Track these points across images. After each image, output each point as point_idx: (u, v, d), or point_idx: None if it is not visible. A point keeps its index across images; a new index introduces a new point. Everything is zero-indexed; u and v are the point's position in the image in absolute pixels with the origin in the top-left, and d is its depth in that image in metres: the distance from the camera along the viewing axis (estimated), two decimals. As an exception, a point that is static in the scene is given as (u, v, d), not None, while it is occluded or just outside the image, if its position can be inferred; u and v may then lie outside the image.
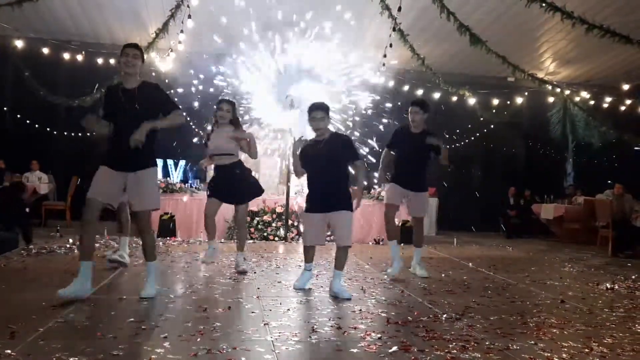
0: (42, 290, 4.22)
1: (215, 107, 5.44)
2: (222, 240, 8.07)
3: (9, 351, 2.75)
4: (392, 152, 5.67)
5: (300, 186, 9.16)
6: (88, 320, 3.40)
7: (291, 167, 8.71)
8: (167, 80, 10.79)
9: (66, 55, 9.69)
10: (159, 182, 4.53)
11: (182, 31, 7.98)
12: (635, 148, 12.29)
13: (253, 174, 5.73)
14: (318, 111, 4.60)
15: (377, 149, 8.62)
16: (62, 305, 3.71)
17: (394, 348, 3.07)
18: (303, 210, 4.84)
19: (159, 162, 9.40)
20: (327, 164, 4.52)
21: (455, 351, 3.05)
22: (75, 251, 6.26)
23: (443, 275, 5.71)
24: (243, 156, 5.59)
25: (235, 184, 5.31)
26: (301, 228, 4.88)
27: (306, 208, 4.70)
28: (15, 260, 5.53)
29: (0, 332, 3.06)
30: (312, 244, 4.71)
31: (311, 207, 4.63)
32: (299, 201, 8.57)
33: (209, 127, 5.65)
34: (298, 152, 4.70)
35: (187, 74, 10.62)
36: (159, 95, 4.12)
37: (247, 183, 5.44)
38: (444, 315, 3.89)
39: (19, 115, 10.84)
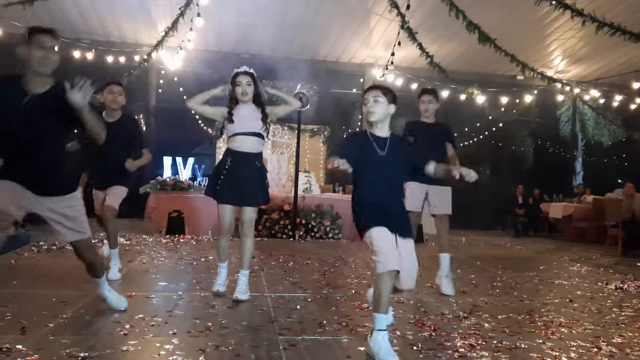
0: (52, 286, 4.26)
1: (231, 83, 4.20)
2: (231, 237, 8.06)
3: (20, 346, 2.78)
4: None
5: (308, 184, 9.19)
6: (97, 316, 3.43)
7: (300, 165, 8.78)
8: (175, 79, 10.89)
9: (76, 54, 9.75)
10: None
11: (191, 29, 8.01)
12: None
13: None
14: (371, 91, 3.33)
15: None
16: (71, 301, 3.74)
17: (402, 346, 3.08)
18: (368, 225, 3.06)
19: (168, 159, 9.46)
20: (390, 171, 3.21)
21: (463, 350, 3.04)
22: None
23: (451, 273, 5.69)
24: None
25: (253, 181, 4.15)
26: (377, 250, 2.92)
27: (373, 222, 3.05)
28: (26, 257, 5.58)
29: (12, 327, 3.10)
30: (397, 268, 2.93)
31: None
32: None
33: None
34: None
35: (196, 71, 10.68)
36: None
37: (263, 184, 4.26)
38: (452, 314, 3.89)
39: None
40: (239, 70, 4.22)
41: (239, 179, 4.10)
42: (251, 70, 4.22)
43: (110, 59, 9.83)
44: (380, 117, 3.28)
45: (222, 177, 4.15)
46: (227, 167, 4.13)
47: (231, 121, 4.13)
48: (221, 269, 4.32)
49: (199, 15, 7.66)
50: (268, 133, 4.32)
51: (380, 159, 3.18)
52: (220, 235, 4.33)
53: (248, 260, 4.21)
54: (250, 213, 4.19)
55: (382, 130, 3.28)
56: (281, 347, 2.96)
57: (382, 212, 3.09)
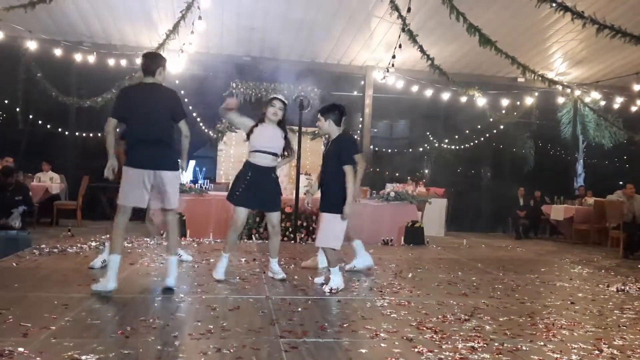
0: (54, 289, 4.26)
1: (267, 103, 4.98)
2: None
3: (21, 349, 2.78)
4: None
5: (309, 186, 9.19)
6: (99, 319, 3.43)
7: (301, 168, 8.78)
8: (177, 81, 10.90)
9: (78, 57, 9.77)
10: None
11: (192, 32, 8.02)
12: (646, 149, 12.21)
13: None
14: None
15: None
16: (73, 303, 3.75)
17: (403, 348, 3.08)
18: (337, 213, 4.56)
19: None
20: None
21: (464, 352, 3.05)
22: (87, 250, 6.33)
23: (452, 276, 5.70)
24: None
25: (271, 189, 4.93)
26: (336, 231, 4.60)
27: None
28: (28, 259, 5.58)
29: (13, 330, 3.10)
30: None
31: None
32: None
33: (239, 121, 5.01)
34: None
35: (199, 74, 10.72)
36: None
37: (279, 190, 5.05)
38: (453, 316, 3.89)
39: (30, 116, 10.98)
40: (277, 95, 5.05)
41: (261, 189, 4.84)
42: (286, 101, 5.04)
43: (111, 61, 9.86)
44: (324, 132, 4.79)
45: (243, 185, 4.82)
46: (248, 177, 4.83)
47: (249, 139, 4.87)
48: (223, 257, 4.96)
49: (200, 18, 7.68)
50: (283, 152, 5.04)
51: (324, 154, 4.93)
52: (234, 231, 4.93)
53: (277, 251, 5.13)
54: (276, 217, 5.01)
55: (333, 135, 4.71)
56: (283, 350, 2.97)
57: (321, 192, 4.73)
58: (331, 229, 4.56)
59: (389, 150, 13.43)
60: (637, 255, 8.10)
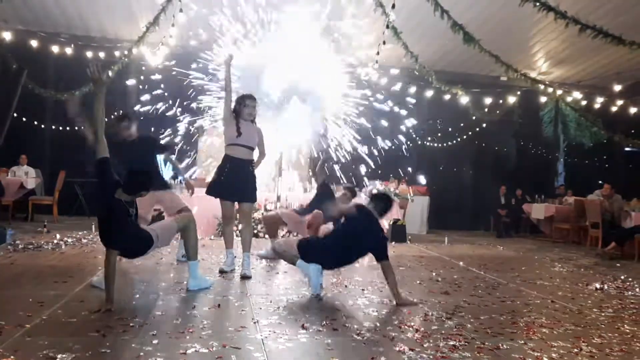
0: (29, 286, 4.17)
1: (239, 103, 5.05)
2: (212, 237, 8.03)
3: (-6, 347, 2.72)
4: None
5: (292, 183, 9.15)
6: (76, 317, 3.36)
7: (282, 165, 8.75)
8: (158, 76, 10.72)
9: (55, 48, 9.57)
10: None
11: (173, 25, 7.90)
12: (626, 149, 12.38)
13: None
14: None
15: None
16: (49, 301, 3.67)
17: (385, 347, 3.06)
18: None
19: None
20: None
21: (445, 350, 3.04)
22: (63, 247, 6.22)
23: (434, 274, 5.71)
24: None
25: (247, 181, 5.04)
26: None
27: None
28: (2, 256, 5.46)
29: (-14, 329, 3.02)
30: None
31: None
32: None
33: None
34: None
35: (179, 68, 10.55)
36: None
37: (255, 184, 5.15)
38: (434, 315, 3.88)
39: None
40: (246, 94, 5.10)
41: (238, 181, 4.95)
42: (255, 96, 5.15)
43: (89, 54, 9.67)
44: None
45: (222, 178, 4.96)
46: (226, 170, 4.96)
47: (239, 134, 4.93)
48: (228, 253, 5.19)
49: (181, 10, 7.56)
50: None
51: None
52: (225, 225, 5.22)
53: (249, 244, 5.08)
54: (248, 207, 5.13)
55: None
56: (263, 349, 2.93)
57: None
58: None
59: (371, 147, 13.41)
60: (614, 255, 8.19)
